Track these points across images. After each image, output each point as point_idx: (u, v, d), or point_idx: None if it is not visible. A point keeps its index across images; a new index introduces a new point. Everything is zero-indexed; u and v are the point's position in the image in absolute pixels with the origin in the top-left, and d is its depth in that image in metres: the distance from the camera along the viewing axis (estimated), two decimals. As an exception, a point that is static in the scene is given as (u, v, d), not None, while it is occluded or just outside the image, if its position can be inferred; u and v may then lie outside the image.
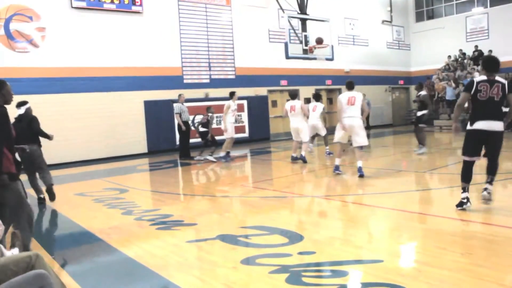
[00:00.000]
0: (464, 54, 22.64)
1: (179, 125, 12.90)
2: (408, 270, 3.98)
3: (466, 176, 5.69)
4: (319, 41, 16.27)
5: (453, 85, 20.01)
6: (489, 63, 5.52)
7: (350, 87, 8.89)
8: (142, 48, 15.09)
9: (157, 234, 5.43)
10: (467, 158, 5.69)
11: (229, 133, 12.01)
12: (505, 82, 5.45)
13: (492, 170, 5.68)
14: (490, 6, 22.59)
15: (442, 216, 5.53)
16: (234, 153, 14.10)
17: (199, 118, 12.65)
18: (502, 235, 4.77)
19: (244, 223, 5.71)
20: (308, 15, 17.91)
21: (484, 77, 5.47)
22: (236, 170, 11.55)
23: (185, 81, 16.25)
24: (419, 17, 25.89)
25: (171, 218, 6.13)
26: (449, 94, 19.93)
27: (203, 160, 12.39)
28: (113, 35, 14.46)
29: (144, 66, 15.13)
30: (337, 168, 8.94)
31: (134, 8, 14.83)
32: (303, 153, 10.95)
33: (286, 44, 15.93)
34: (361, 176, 8.50)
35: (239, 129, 17.23)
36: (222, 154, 12.20)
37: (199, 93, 16.37)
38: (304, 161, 10.89)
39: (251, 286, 3.70)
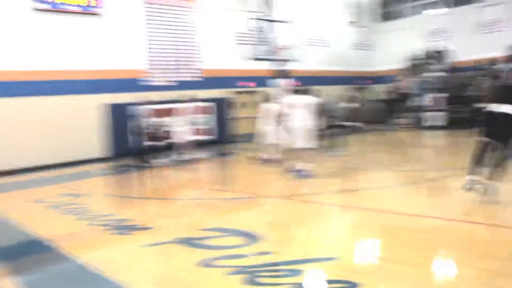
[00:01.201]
0: (427, 53, 23.12)
1: (138, 128, 12.68)
2: (366, 267, 3.98)
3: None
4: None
5: (417, 80, 20.49)
6: None
7: (302, 91, 9.12)
8: (104, 51, 14.69)
9: (113, 239, 5.27)
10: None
11: (180, 137, 11.82)
12: None
13: None
14: (452, 7, 23.17)
15: (402, 213, 5.57)
16: (200, 155, 13.93)
17: (157, 121, 12.43)
18: (453, 228, 4.83)
19: (202, 225, 5.57)
20: (274, 17, 17.92)
21: None
22: (198, 172, 11.37)
23: (150, 83, 15.94)
24: (383, 18, 26.33)
25: (126, 222, 5.93)
26: (415, 88, 20.39)
27: (164, 163, 12.12)
28: (73, 37, 14.04)
29: (104, 69, 14.74)
30: (297, 171, 8.77)
31: (95, 10, 14.44)
32: (264, 156, 10.72)
33: (253, 46, 15.92)
34: (303, 176, 8.38)
35: (206, 131, 17.10)
36: (185, 157, 11.92)
37: (165, 95, 16.09)
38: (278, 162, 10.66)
39: (207, 289, 3.62)
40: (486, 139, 5.65)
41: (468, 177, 5.77)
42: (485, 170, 5.70)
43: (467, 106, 16.80)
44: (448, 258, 4.05)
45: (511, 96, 5.45)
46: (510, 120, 5.39)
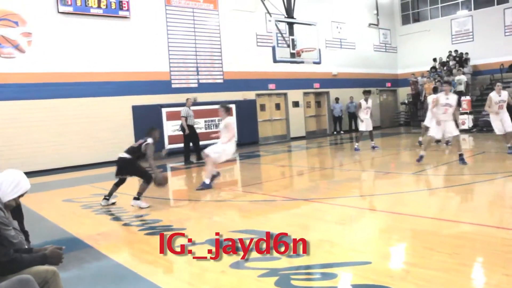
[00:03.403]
0: (450, 56, 22.89)
1: (183, 128, 13.05)
2: (397, 271, 4.00)
3: None
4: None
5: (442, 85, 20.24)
6: None
7: None
8: (129, 53, 15.03)
9: (146, 239, 5.41)
10: None
11: None
12: None
13: None
14: (474, 9, 22.90)
15: (430, 217, 5.58)
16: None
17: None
18: (489, 235, 4.82)
19: (233, 227, 5.69)
20: (295, 19, 17.97)
21: None
22: (225, 174, 11.52)
23: (173, 85, 16.22)
24: (405, 20, 26.15)
25: (160, 223, 6.10)
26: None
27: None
28: (100, 40, 14.40)
29: (131, 71, 15.08)
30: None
31: (121, 13, 14.78)
32: None
33: (273, 48, 15.97)
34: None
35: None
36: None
37: (187, 97, 16.33)
38: None
39: (240, 290, 3.71)
40: None
41: None
42: None
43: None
44: (474, 263, 4.10)
45: None
46: None
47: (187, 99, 13.56)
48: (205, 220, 6.42)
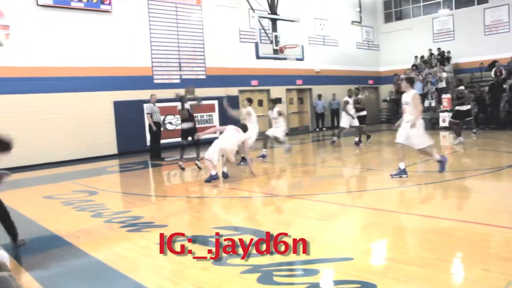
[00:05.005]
0: (431, 54, 23.16)
1: (150, 125, 12.88)
2: (378, 267, 4.04)
3: None
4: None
5: (421, 80, 20.47)
6: None
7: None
8: (111, 48, 14.85)
9: (128, 236, 5.36)
10: None
11: None
12: None
13: None
14: (455, 8, 23.21)
15: (410, 213, 5.64)
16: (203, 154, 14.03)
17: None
18: (467, 230, 4.90)
19: (215, 224, 5.68)
20: (278, 15, 17.99)
21: None
22: (206, 170, 11.48)
23: (155, 81, 16.09)
24: (387, 18, 26.36)
25: (141, 220, 6.04)
26: (418, 88, 20.36)
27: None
28: (81, 34, 14.18)
29: (113, 66, 14.90)
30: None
31: (102, 7, 14.58)
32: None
33: (256, 44, 15.95)
34: None
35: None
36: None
37: (169, 93, 16.20)
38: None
39: (222, 287, 3.69)
40: None
41: None
42: None
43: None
44: (453, 258, 4.15)
45: None
46: None
47: (151, 95, 13.35)
48: (187, 216, 6.39)
